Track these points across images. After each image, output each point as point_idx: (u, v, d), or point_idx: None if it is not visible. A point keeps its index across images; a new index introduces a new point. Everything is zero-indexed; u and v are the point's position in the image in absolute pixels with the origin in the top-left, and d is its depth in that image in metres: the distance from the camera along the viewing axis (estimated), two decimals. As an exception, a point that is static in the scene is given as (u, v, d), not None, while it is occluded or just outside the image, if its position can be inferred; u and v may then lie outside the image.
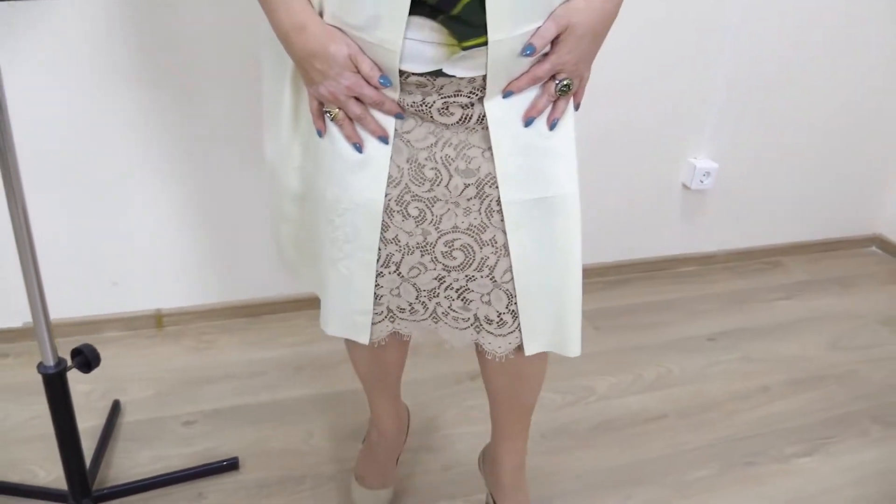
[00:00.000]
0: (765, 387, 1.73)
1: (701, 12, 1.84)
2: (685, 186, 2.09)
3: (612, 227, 2.09)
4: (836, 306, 2.12)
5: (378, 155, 0.87)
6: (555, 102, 0.87)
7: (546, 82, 0.85)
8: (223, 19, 1.49)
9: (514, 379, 1.07)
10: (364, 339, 0.98)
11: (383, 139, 0.86)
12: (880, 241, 2.49)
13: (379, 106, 0.84)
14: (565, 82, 0.85)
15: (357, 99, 0.84)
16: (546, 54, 0.83)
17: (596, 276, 2.14)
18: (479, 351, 1.02)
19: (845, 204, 2.41)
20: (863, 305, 2.13)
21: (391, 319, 0.97)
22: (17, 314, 1.67)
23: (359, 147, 0.87)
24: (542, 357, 1.03)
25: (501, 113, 0.85)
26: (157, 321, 1.78)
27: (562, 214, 0.90)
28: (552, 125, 0.87)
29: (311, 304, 1.86)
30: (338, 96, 0.83)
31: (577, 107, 0.92)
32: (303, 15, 0.81)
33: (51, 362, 1.07)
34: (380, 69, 0.81)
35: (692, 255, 2.24)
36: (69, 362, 1.10)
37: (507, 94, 0.84)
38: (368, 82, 0.82)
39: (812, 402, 1.69)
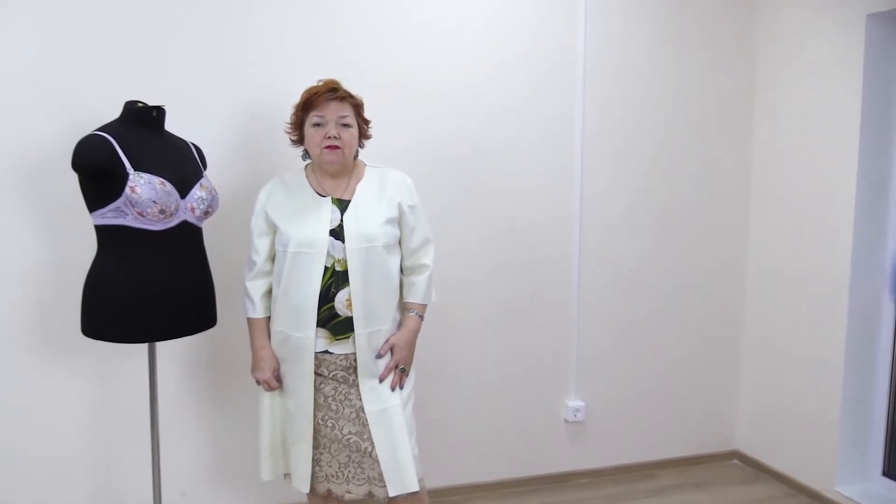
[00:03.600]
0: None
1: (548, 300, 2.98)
2: (565, 420, 3.05)
3: (518, 450, 3.01)
4: (691, 500, 2.91)
5: (303, 399, 1.97)
6: (399, 377, 2.00)
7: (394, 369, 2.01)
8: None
9: None
10: (306, 489, 2.00)
11: (273, 389, 2.02)
12: (740, 455, 3.31)
13: (274, 386, 2.01)
14: (402, 367, 2.01)
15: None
16: (392, 356, 1.99)
17: (512, 487, 2.99)
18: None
19: (704, 425, 3.30)
20: (713, 498, 2.92)
21: (328, 481, 2.00)
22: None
23: (271, 388, 2.02)
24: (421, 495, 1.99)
25: (369, 384, 1.98)
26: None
27: (395, 415, 1.97)
28: (394, 387, 2.00)
29: None
30: (259, 379, 2.01)
31: (407, 374, 2.04)
32: (262, 344, 2.01)
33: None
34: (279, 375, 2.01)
35: (585, 470, 3.11)
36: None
37: (381, 380, 1.97)
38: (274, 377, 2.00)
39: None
